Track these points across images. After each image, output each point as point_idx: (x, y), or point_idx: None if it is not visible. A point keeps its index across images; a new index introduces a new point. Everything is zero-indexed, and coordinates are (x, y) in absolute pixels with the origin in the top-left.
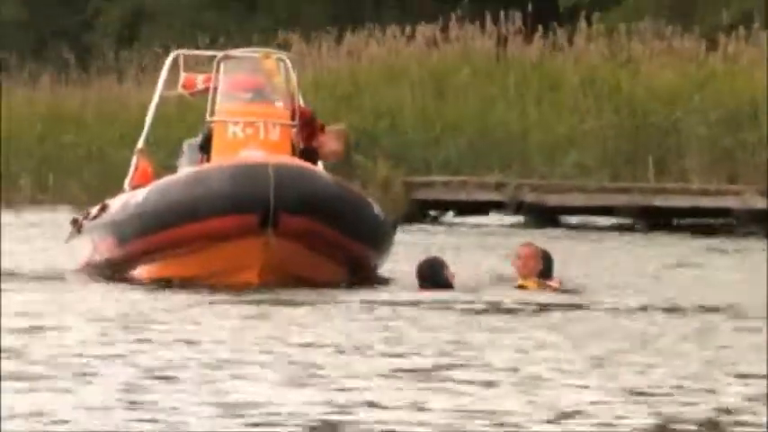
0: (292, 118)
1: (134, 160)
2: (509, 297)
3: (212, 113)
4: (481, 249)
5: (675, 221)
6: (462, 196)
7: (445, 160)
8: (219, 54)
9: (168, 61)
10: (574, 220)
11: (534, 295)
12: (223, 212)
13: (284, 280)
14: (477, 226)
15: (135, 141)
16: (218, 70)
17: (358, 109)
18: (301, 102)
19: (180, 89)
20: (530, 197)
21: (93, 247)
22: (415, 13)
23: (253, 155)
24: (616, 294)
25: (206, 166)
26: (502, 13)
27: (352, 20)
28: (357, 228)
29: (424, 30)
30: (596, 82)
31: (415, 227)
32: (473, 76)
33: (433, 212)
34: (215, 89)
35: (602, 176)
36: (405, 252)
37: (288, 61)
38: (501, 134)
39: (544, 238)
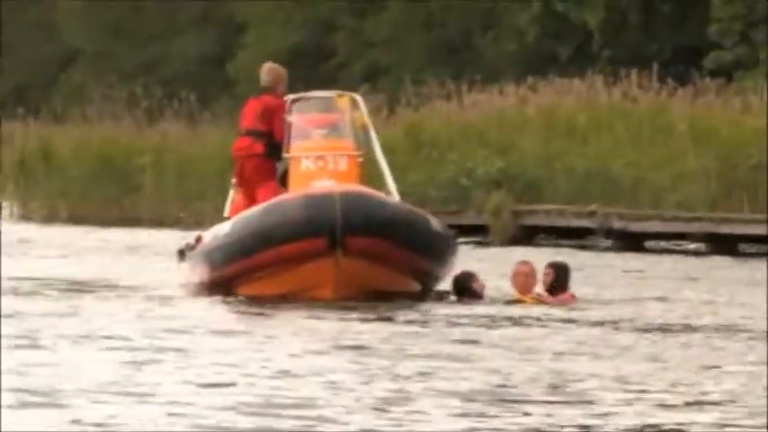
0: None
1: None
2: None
3: (287, 150)
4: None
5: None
6: (561, 223)
7: (560, 193)
8: (291, 96)
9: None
10: (660, 244)
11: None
12: (296, 238)
13: (358, 294)
14: (573, 247)
15: None
16: (290, 111)
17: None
18: (373, 134)
19: None
20: (617, 224)
21: (193, 271)
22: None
23: (322, 184)
24: (612, 309)
25: (280, 197)
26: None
27: (539, 72)
28: (418, 243)
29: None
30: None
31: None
32: (593, 122)
33: (539, 236)
34: (289, 127)
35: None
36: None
37: (358, 98)
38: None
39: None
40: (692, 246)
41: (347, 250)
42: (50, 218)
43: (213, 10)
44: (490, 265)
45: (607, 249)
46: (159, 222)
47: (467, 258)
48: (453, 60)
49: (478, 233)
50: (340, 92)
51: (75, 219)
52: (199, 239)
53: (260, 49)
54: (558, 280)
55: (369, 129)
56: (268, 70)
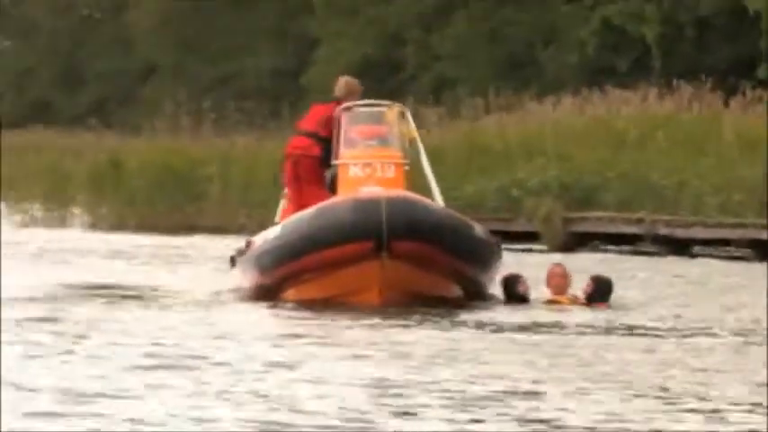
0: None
1: None
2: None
3: (337, 157)
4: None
5: None
6: (611, 229)
7: (612, 201)
8: (340, 106)
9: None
10: (707, 250)
11: (557, 312)
12: (344, 241)
13: (402, 298)
14: (622, 253)
15: None
16: (341, 120)
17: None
18: (421, 146)
19: None
20: (663, 231)
21: (243, 276)
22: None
23: (369, 190)
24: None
25: (328, 201)
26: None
27: (598, 83)
28: (462, 248)
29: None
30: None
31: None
32: (646, 132)
33: (590, 243)
34: (338, 136)
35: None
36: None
37: (406, 110)
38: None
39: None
40: (739, 252)
41: (393, 254)
42: (119, 226)
43: (289, 24)
44: (540, 271)
45: (655, 255)
46: (223, 230)
47: (517, 265)
48: (517, 74)
49: (530, 240)
50: (389, 103)
51: (143, 227)
52: (249, 244)
53: (333, 63)
54: (599, 292)
55: (416, 140)
56: (345, 83)
